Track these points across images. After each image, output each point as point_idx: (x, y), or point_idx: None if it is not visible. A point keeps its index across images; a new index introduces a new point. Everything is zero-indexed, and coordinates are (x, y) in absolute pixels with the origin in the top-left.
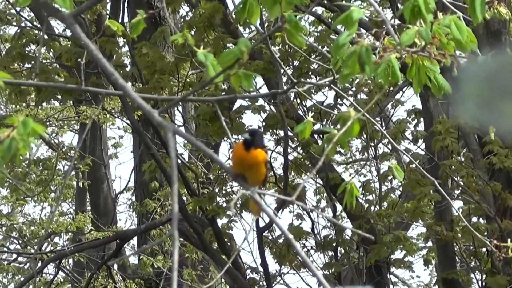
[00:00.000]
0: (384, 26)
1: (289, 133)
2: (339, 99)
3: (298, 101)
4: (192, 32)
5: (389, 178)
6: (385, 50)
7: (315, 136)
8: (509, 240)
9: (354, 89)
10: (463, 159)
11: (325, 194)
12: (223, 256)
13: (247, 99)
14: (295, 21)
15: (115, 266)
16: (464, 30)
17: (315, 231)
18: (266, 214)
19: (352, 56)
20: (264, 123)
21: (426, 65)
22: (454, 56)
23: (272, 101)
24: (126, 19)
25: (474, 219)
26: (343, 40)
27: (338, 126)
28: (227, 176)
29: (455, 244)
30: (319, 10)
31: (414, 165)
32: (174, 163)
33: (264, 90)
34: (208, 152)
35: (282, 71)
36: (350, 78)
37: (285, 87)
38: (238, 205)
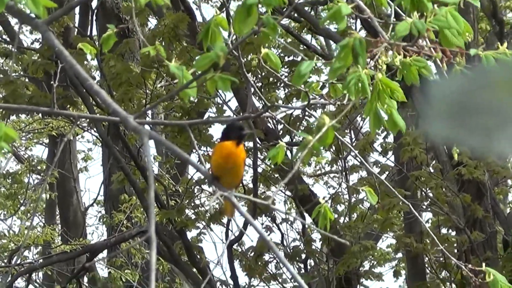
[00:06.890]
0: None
1: (258, 145)
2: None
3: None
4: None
5: (359, 188)
6: (376, 43)
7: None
8: (483, 264)
9: (322, 101)
10: (432, 170)
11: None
12: (194, 269)
13: (215, 110)
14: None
15: (85, 280)
16: (461, 21)
17: (285, 243)
18: (243, 216)
19: (345, 48)
20: None
21: (387, 102)
22: (445, 50)
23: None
24: (94, 32)
25: (444, 230)
26: (304, 70)
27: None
28: (195, 189)
29: (425, 255)
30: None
31: (383, 177)
32: (150, 167)
33: (233, 102)
34: (184, 156)
35: (251, 83)
36: (341, 72)
37: (254, 99)
38: (207, 216)
